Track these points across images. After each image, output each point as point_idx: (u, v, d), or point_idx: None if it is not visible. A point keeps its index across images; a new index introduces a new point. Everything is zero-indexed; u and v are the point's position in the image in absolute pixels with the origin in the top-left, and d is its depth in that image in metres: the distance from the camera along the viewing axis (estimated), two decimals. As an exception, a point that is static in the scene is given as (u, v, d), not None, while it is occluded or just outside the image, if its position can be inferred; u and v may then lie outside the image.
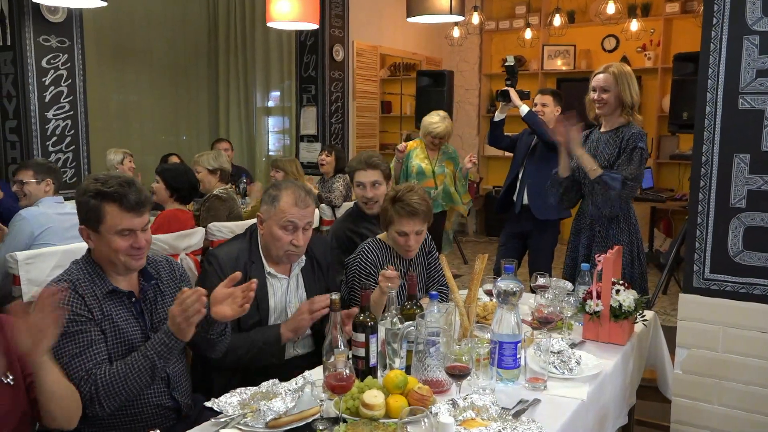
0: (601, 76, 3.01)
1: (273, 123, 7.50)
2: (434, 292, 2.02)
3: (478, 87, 8.52)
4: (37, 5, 4.42)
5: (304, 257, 2.35)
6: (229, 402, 1.68)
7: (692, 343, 2.37)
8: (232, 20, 7.32)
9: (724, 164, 2.24)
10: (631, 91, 2.97)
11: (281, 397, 1.62)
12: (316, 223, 4.48)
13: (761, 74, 2.16)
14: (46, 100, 4.64)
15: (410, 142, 4.75)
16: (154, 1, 6.89)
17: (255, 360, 2.16)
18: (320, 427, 1.61)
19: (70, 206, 3.57)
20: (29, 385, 1.59)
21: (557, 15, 7.15)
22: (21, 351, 1.52)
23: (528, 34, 7.69)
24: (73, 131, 4.83)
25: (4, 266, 3.12)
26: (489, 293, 2.49)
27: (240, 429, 1.60)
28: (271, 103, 7.45)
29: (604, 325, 2.26)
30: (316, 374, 1.80)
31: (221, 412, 1.65)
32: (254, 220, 2.36)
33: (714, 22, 2.21)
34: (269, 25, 4.29)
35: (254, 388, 1.73)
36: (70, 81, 4.77)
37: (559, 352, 1.98)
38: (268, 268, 2.28)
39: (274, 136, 7.53)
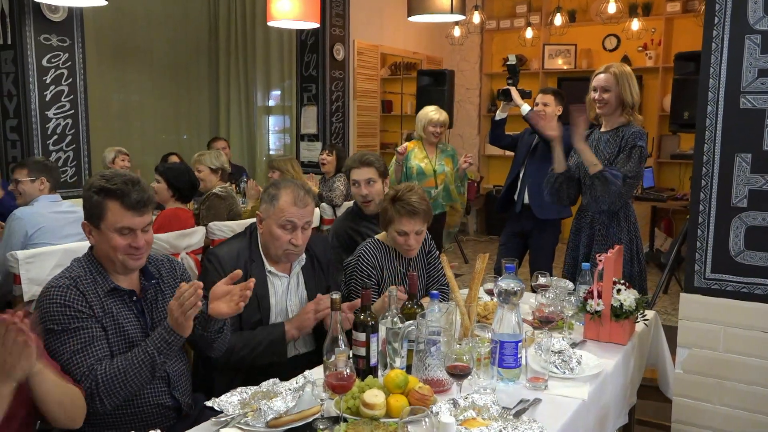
0: (602, 76, 3.03)
1: (274, 122, 7.49)
2: (435, 292, 2.02)
3: (479, 86, 8.52)
4: (38, 4, 4.42)
5: (304, 256, 2.35)
6: (229, 401, 1.68)
7: (693, 343, 2.37)
8: (233, 19, 7.31)
9: (725, 164, 2.24)
10: (631, 91, 2.99)
11: (282, 397, 1.62)
12: (316, 222, 4.49)
13: (763, 74, 2.16)
14: (47, 99, 4.64)
15: (408, 144, 4.73)
16: (154, 0, 6.89)
17: (258, 359, 2.16)
18: (321, 427, 1.60)
19: (67, 205, 3.58)
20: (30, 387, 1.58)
21: (558, 14, 7.15)
22: None
23: (529, 33, 7.68)
24: (73, 130, 4.83)
25: (5, 265, 3.12)
26: (490, 292, 2.48)
27: (240, 428, 1.59)
28: (271, 102, 7.45)
29: (605, 324, 2.26)
30: (317, 373, 1.80)
31: (222, 412, 1.65)
32: (254, 219, 2.36)
33: (715, 22, 2.20)
34: (270, 24, 4.29)
35: (255, 387, 1.73)
36: (70, 80, 4.77)
37: (559, 352, 1.98)
38: (268, 267, 2.28)
39: (274, 135, 7.53)
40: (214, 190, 4.31)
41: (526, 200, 4.09)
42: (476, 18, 7.15)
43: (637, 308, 2.27)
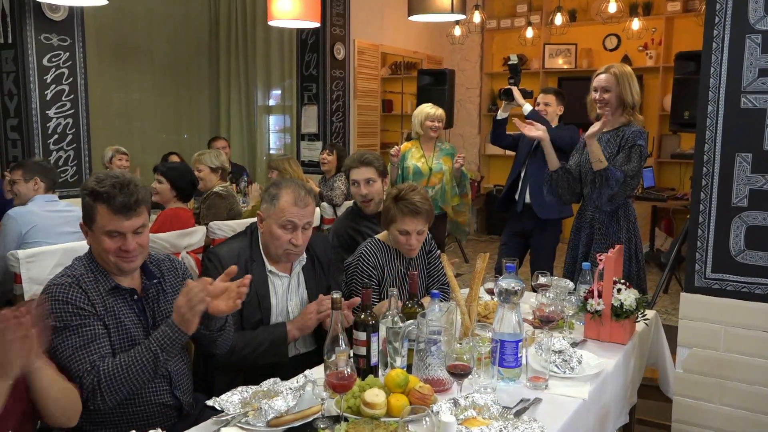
0: (602, 76, 3.05)
1: (274, 121, 7.49)
2: (435, 291, 2.02)
3: (479, 86, 8.51)
4: (39, 3, 4.43)
5: (305, 255, 2.35)
6: (230, 400, 1.68)
7: (693, 343, 2.37)
8: (234, 19, 7.31)
9: (725, 163, 2.24)
10: (632, 91, 3.00)
11: (282, 396, 1.62)
12: (316, 222, 4.49)
13: (763, 73, 2.16)
14: (48, 98, 4.64)
15: (404, 144, 4.70)
16: (155, 0, 6.89)
17: (260, 359, 2.16)
18: (321, 426, 1.60)
19: (64, 204, 3.60)
20: (29, 383, 1.58)
21: (558, 14, 7.14)
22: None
23: (529, 32, 7.68)
24: (74, 129, 4.83)
25: (5, 265, 3.13)
26: (490, 292, 2.49)
27: (241, 427, 1.60)
28: (272, 102, 7.45)
29: (605, 324, 2.26)
30: (318, 373, 1.81)
31: (222, 411, 1.65)
32: (255, 219, 2.36)
33: (716, 21, 2.20)
34: (270, 23, 4.29)
35: (255, 386, 1.73)
36: (71, 79, 4.77)
37: (560, 351, 1.98)
38: (269, 266, 2.28)
39: (275, 134, 7.53)
40: (214, 190, 4.32)
41: (528, 200, 4.09)
42: (477, 17, 7.15)
43: (637, 308, 2.27)
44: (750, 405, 2.28)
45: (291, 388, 1.66)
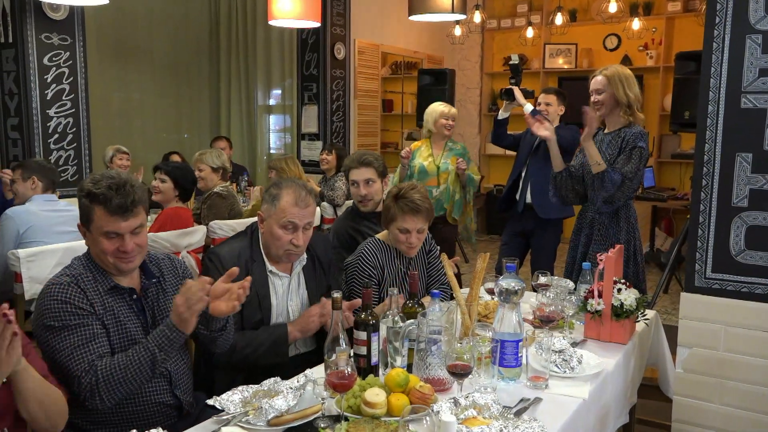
0: (595, 78, 3.09)
1: (274, 121, 7.49)
2: (436, 291, 2.02)
3: (480, 86, 8.51)
4: (39, 3, 4.43)
5: (305, 256, 2.35)
6: (230, 400, 1.68)
7: (694, 342, 2.37)
8: (234, 18, 7.32)
9: (726, 163, 2.24)
10: (625, 91, 2.99)
11: (283, 395, 1.62)
12: (317, 222, 4.48)
13: (764, 73, 2.16)
14: (48, 97, 4.64)
15: (414, 143, 4.68)
16: (155, 0, 6.89)
17: (260, 359, 2.16)
18: (322, 425, 1.61)
19: (63, 204, 3.61)
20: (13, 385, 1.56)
21: (559, 14, 7.14)
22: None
23: (530, 32, 7.68)
24: (74, 129, 4.83)
25: (5, 264, 3.13)
26: (490, 292, 2.49)
27: (242, 427, 1.60)
28: (272, 102, 7.45)
29: (605, 324, 2.26)
30: (318, 372, 1.81)
31: (223, 410, 1.65)
32: (255, 219, 2.36)
33: (717, 21, 2.21)
34: (271, 23, 4.29)
35: (256, 386, 1.73)
36: (71, 79, 4.77)
37: (560, 351, 1.98)
38: (269, 267, 2.28)
39: (275, 134, 7.53)
40: (215, 190, 4.32)
41: (528, 200, 4.09)
42: (477, 17, 7.15)
43: (637, 308, 2.27)
44: (750, 405, 2.28)
45: (291, 388, 1.66)
